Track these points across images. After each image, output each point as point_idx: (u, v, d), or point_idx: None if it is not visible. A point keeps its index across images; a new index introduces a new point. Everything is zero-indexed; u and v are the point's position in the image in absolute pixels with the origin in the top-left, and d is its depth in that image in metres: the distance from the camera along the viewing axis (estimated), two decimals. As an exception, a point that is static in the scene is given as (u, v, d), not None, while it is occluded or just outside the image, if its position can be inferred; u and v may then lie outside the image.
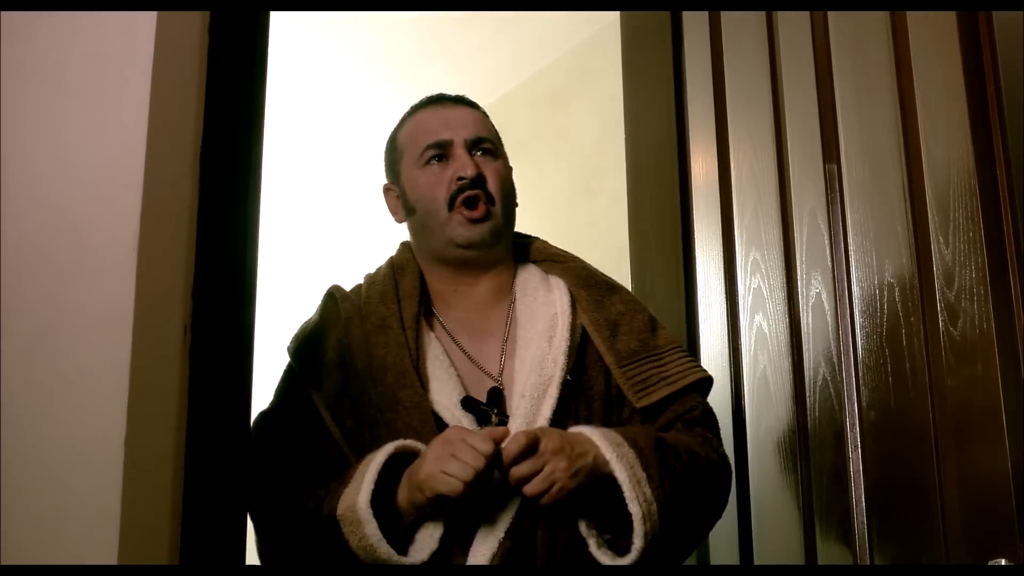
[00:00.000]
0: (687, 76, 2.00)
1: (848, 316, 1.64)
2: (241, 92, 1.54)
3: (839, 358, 1.64)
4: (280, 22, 1.85)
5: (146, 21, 1.39)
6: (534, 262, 1.51)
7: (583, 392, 1.37)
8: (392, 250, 1.54)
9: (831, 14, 1.75)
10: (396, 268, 1.48)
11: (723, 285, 1.86)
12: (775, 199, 1.79)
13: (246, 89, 1.56)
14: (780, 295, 1.75)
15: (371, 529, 1.20)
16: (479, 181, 1.40)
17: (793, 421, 1.69)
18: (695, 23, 1.99)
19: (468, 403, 1.33)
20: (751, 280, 1.81)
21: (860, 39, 1.71)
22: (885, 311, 1.59)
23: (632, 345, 1.39)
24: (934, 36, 1.61)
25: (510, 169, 1.49)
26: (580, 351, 1.39)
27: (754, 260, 1.81)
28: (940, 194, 1.55)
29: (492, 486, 1.23)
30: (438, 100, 1.49)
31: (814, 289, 1.70)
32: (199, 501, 1.31)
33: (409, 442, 1.28)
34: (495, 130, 1.50)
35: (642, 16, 2.11)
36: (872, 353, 1.59)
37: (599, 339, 1.39)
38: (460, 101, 1.49)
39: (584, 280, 1.45)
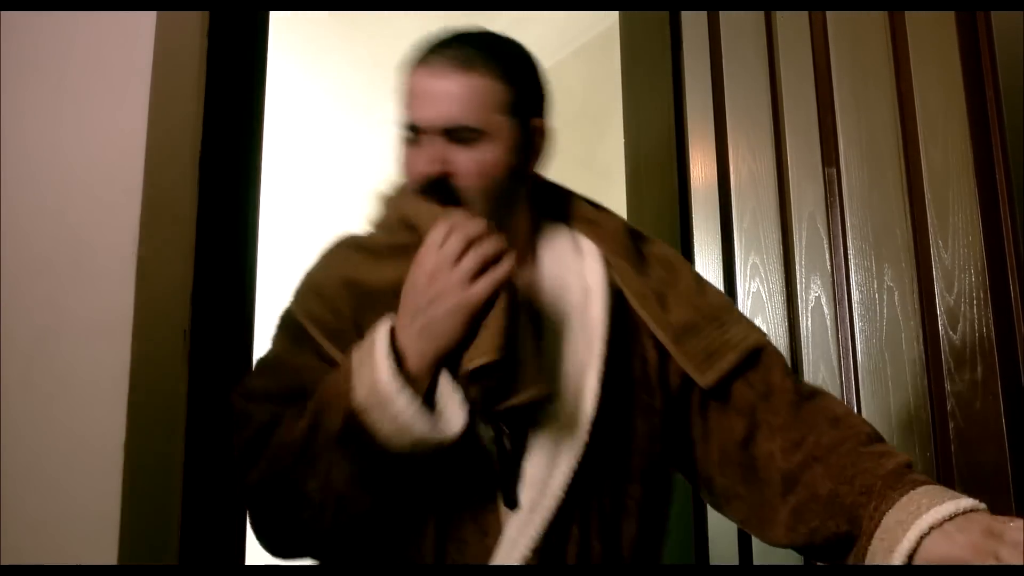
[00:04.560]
0: (686, 80, 2.00)
1: (847, 320, 1.64)
2: (241, 94, 1.53)
3: (839, 362, 1.64)
4: (282, 20, 1.85)
5: (146, 21, 1.38)
6: (564, 222, 1.29)
7: (623, 380, 1.18)
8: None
9: (830, 18, 1.75)
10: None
11: (722, 289, 1.86)
12: (774, 203, 1.79)
13: (246, 91, 1.55)
14: (779, 299, 1.75)
15: (404, 400, 1.01)
16: (441, 182, 1.17)
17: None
18: (694, 27, 2.00)
19: None
20: (750, 284, 1.81)
21: (859, 42, 1.71)
22: (884, 315, 1.59)
23: (687, 315, 1.20)
24: (933, 39, 1.62)
25: (501, 151, 1.19)
26: (615, 330, 1.18)
27: (753, 264, 1.81)
28: (939, 198, 1.55)
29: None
30: (438, 57, 1.20)
31: (813, 293, 1.70)
32: (199, 504, 1.31)
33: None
34: (490, 99, 1.19)
35: (641, 20, 2.11)
36: (871, 357, 1.59)
37: (649, 315, 1.19)
38: (458, 61, 1.18)
39: (622, 246, 1.25)
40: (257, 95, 1.59)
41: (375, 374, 1.02)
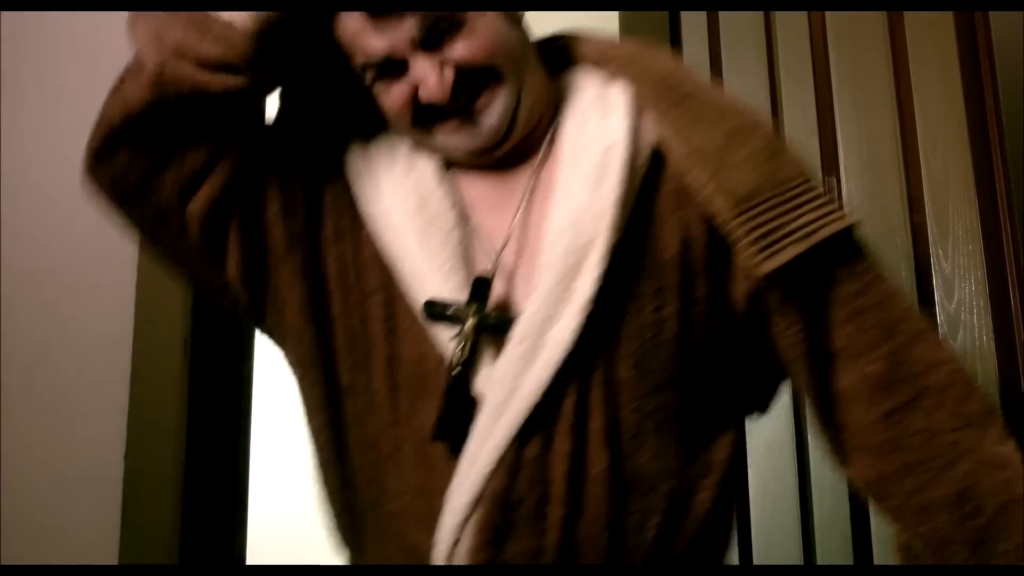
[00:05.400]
0: (686, 85, 2.00)
1: (847, 327, 1.64)
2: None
3: (839, 370, 1.64)
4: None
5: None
6: (594, 64, 1.01)
7: (649, 258, 0.91)
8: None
9: (830, 25, 1.75)
10: None
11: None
12: (774, 209, 1.79)
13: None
14: (779, 305, 1.75)
15: None
16: (457, 92, 0.90)
17: (792, 430, 1.70)
18: (694, 31, 1.99)
19: (432, 310, 0.89)
20: (750, 290, 1.81)
21: (858, 50, 1.71)
22: (884, 323, 1.59)
23: (751, 181, 0.90)
24: (932, 46, 1.62)
25: (490, 14, 0.92)
26: (645, 199, 0.93)
27: (753, 270, 1.81)
28: (939, 206, 1.55)
29: None
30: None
31: (813, 300, 1.70)
32: (198, 513, 1.31)
33: None
34: None
35: (641, 23, 2.11)
36: (871, 365, 1.60)
37: (702, 175, 0.90)
38: None
39: (670, 91, 0.95)
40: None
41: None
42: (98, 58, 1.36)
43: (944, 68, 1.59)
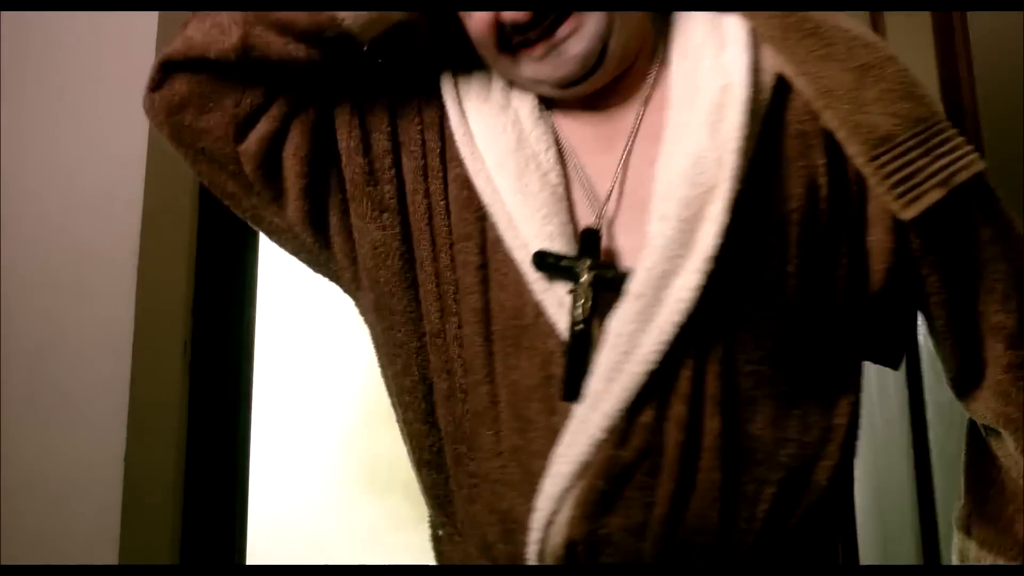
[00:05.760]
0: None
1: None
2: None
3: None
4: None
5: (147, 22, 1.37)
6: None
7: (771, 209, 0.84)
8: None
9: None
10: None
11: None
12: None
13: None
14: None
15: None
16: (541, 13, 0.83)
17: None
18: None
19: (543, 261, 0.83)
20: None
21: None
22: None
23: (886, 122, 0.83)
24: (911, 47, 1.64)
25: None
26: (767, 143, 0.85)
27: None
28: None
29: None
30: None
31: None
32: (198, 516, 1.32)
33: None
34: None
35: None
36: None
37: (834, 116, 0.84)
38: None
39: (794, 26, 0.87)
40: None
41: None
42: (98, 58, 1.35)
43: (922, 68, 1.62)
